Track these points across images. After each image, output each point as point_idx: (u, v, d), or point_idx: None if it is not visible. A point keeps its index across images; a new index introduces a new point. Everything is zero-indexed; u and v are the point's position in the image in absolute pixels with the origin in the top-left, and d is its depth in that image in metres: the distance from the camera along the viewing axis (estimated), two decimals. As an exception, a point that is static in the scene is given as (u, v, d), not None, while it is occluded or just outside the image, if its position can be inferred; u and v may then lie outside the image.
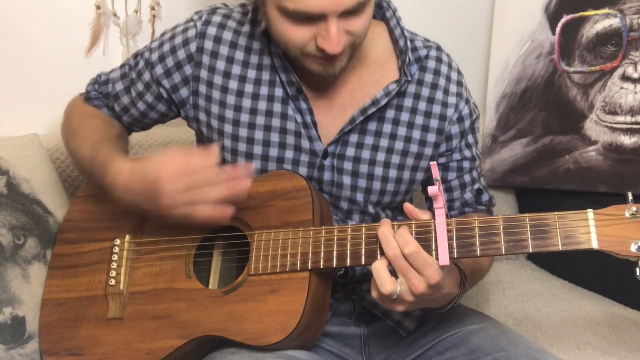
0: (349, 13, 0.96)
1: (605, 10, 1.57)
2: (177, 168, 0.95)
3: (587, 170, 1.59)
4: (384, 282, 0.89)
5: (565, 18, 1.63)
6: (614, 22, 1.56)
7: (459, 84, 1.16)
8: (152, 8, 1.51)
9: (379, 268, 0.90)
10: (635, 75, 1.53)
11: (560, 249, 0.88)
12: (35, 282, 1.15)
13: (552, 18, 1.66)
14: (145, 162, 0.98)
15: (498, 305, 1.48)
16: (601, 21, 1.57)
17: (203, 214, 0.96)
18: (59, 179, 1.32)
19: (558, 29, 1.64)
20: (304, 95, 1.09)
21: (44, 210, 1.23)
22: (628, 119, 1.54)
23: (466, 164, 1.17)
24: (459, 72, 1.18)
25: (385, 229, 0.92)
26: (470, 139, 1.17)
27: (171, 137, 1.52)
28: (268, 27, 1.04)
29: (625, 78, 1.55)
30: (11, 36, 1.43)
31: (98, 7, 1.47)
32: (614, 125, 1.56)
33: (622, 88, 1.55)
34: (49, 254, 1.19)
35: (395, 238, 0.91)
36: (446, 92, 1.14)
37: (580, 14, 1.61)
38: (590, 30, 1.60)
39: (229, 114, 1.11)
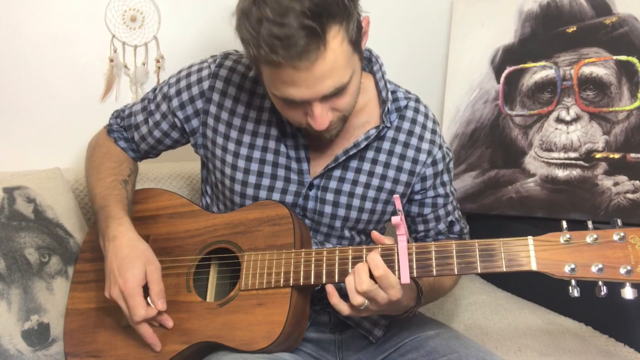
0: (331, 96, 0.99)
1: (542, 63, 1.68)
2: (136, 288, 1.05)
3: (526, 199, 1.68)
4: (354, 296, 0.96)
5: (508, 69, 1.75)
6: (550, 72, 1.67)
7: (433, 132, 1.19)
8: (157, 61, 1.60)
9: (350, 284, 0.97)
10: (568, 118, 1.63)
11: (505, 270, 0.93)
12: (58, 293, 1.23)
13: (497, 69, 1.78)
14: (133, 254, 1.07)
15: (451, 313, 1.55)
16: (539, 72, 1.69)
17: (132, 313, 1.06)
18: (78, 206, 1.38)
19: (502, 79, 1.75)
20: (302, 133, 1.13)
21: (65, 233, 1.30)
22: (562, 155, 1.64)
23: (440, 200, 1.22)
24: (434, 122, 1.21)
25: (360, 266, 0.97)
26: (445, 177, 1.21)
27: (177, 170, 1.58)
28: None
29: (559, 120, 1.65)
30: (39, 85, 1.51)
31: (111, 60, 1.56)
32: (550, 161, 1.65)
33: (556, 129, 1.65)
34: (69, 269, 1.26)
35: (367, 260, 0.96)
36: (421, 138, 1.17)
37: (521, 65, 1.72)
38: (530, 79, 1.70)
39: (231, 146, 1.16)
